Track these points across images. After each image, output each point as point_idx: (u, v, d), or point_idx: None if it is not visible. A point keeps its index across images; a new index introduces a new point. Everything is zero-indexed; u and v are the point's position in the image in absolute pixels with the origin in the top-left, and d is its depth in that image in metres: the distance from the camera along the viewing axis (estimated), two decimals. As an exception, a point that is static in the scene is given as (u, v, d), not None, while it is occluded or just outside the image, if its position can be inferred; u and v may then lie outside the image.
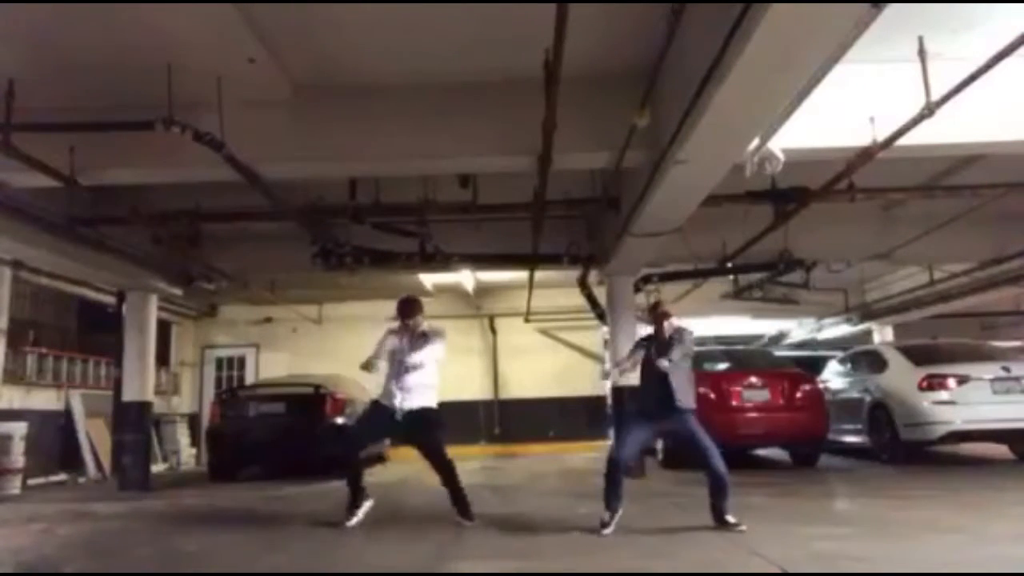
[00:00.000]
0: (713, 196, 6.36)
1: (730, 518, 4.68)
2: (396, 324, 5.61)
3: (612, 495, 4.84)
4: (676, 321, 5.17)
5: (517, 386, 14.54)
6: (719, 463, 4.80)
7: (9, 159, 5.57)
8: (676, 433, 5.21)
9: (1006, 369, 8.09)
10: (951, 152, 6.70)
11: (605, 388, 12.62)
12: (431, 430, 5.51)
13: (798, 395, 8.77)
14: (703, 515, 4.79)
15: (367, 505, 5.46)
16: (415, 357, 5.37)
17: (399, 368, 5.41)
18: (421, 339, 5.44)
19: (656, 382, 4.93)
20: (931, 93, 5.01)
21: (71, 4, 4.72)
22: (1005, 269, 10.05)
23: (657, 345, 5.07)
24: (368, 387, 8.76)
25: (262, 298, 12.82)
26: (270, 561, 4.37)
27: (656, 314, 5.21)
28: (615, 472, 4.88)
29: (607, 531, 4.67)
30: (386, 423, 5.50)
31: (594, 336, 14.43)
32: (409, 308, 5.55)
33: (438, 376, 5.55)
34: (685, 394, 4.94)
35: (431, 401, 5.48)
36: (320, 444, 8.57)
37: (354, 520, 5.33)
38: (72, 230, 7.51)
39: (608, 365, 5.33)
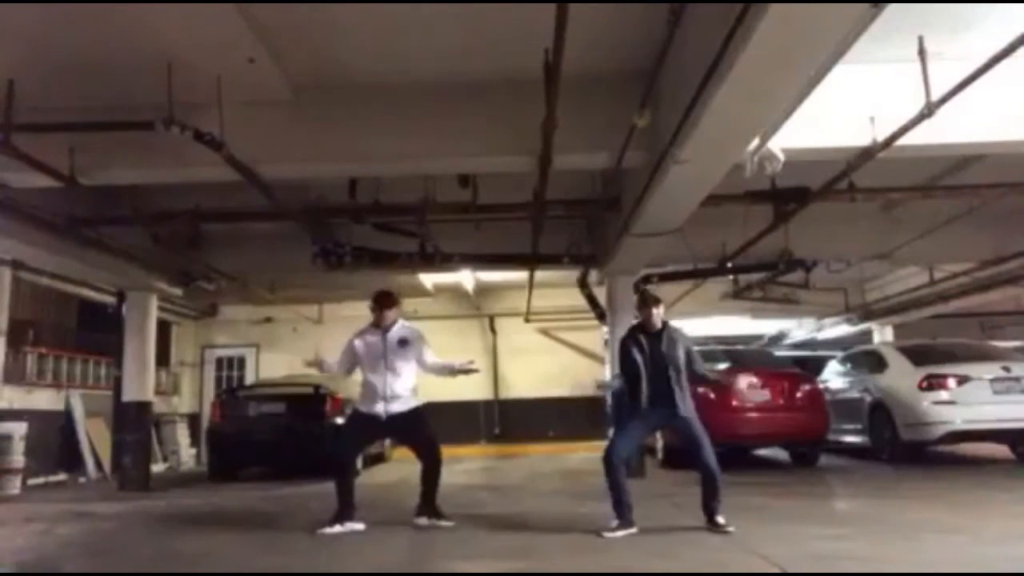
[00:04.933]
0: (713, 196, 6.35)
1: (720, 519, 4.64)
2: (367, 326, 5.52)
3: (620, 502, 4.74)
4: (662, 312, 5.01)
5: (517, 386, 14.54)
6: (712, 459, 4.74)
7: (9, 159, 5.57)
8: (676, 432, 5.12)
9: (1006, 369, 8.09)
10: (951, 152, 6.69)
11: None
12: (423, 425, 5.42)
13: (798, 395, 8.77)
14: (703, 515, 4.79)
15: (353, 527, 5.10)
16: (397, 364, 5.30)
17: (380, 374, 5.29)
18: (402, 345, 5.34)
19: (661, 380, 4.81)
20: (931, 93, 4.99)
21: (71, 4, 4.71)
22: (1005, 269, 10.04)
23: (650, 337, 4.95)
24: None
25: (262, 298, 12.81)
26: (270, 561, 4.37)
27: (647, 298, 5.06)
28: (616, 474, 4.80)
29: (610, 535, 4.57)
30: (372, 428, 5.43)
31: (594, 336, 14.40)
32: (382, 303, 5.42)
33: (417, 378, 5.47)
34: (685, 397, 4.85)
35: (415, 403, 5.40)
36: (321, 444, 8.53)
37: (330, 530, 5.02)
38: (72, 230, 7.51)
39: (609, 378, 5.17)
